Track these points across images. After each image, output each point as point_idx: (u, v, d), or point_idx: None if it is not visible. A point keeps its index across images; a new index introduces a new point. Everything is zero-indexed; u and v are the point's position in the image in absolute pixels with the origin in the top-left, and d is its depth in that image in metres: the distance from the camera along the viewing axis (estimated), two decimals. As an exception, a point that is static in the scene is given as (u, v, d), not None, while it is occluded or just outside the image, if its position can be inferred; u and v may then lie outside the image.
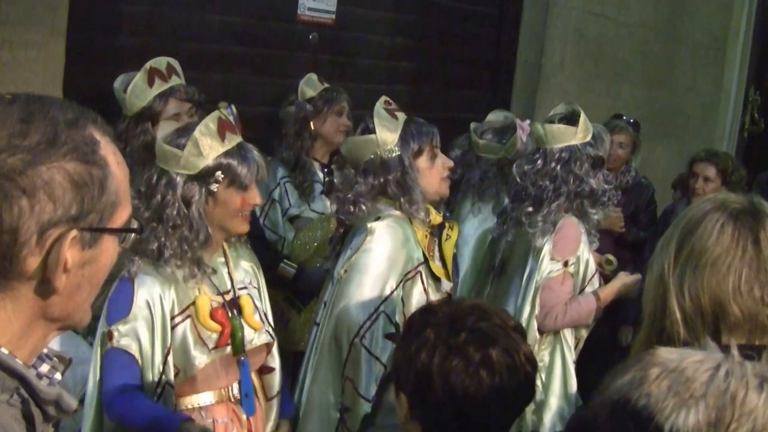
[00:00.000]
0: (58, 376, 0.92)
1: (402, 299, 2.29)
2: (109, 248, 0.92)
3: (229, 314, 2.10)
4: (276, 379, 2.26)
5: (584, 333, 2.81)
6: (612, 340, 3.60)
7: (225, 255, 2.17)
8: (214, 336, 2.06)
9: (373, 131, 2.34)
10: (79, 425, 2.05)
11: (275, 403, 2.26)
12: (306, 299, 3.07)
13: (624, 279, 2.80)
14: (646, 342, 1.34)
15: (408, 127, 2.37)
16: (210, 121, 2.03)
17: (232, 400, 2.12)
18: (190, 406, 2.07)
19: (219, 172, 2.01)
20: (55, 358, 0.94)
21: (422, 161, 2.37)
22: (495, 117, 3.38)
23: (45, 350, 0.93)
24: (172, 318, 2.02)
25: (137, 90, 2.64)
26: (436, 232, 2.49)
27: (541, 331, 2.70)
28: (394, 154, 2.33)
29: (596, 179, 2.67)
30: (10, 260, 0.84)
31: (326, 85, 3.20)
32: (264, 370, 2.25)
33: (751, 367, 1.00)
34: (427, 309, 1.57)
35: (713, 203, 1.39)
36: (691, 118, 5.58)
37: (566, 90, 4.49)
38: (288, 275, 3.00)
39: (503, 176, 3.09)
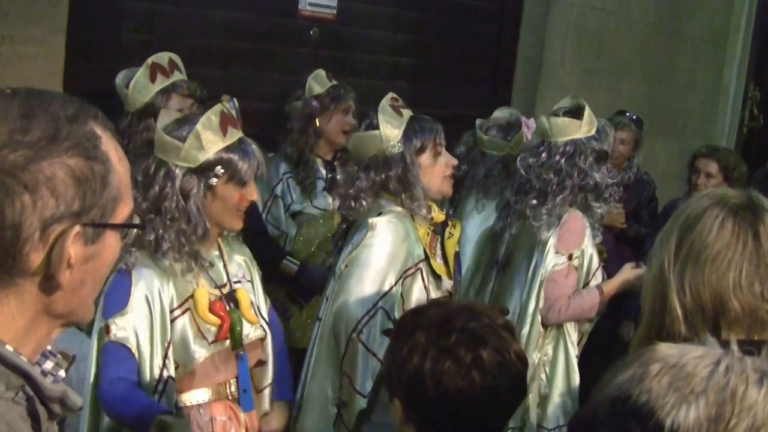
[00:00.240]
0: (62, 372, 0.92)
1: (402, 296, 2.29)
2: (111, 243, 0.92)
3: (227, 307, 2.09)
4: (267, 371, 2.24)
5: (588, 327, 2.83)
6: (613, 334, 3.61)
7: (219, 249, 2.16)
8: (213, 329, 2.05)
9: (377, 127, 2.34)
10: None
11: (266, 394, 2.24)
12: (308, 296, 3.07)
13: (627, 274, 2.80)
14: (645, 338, 1.35)
15: (412, 123, 2.36)
16: (212, 115, 2.01)
17: (230, 397, 2.10)
18: (188, 403, 2.05)
19: (219, 167, 2.00)
20: (59, 355, 0.94)
21: (425, 158, 2.37)
22: (500, 114, 3.37)
23: (49, 347, 0.93)
24: (171, 311, 2.00)
25: (139, 86, 2.63)
26: (439, 230, 2.49)
27: (544, 325, 2.71)
28: (396, 150, 2.33)
29: (600, 173, 2.68)
30: (13, 256, 0.84)
31: (334, 82, 3.18)
32: (256, 363, 2.23)
33: (750, 362, 1.01)
34: (417, 311, 1.58)
35: (711, 199, 1.39)
36: (691, 114, 5.58)
37: (566, 86, 4.48)
38: (290, 272, 3.00)
39: (508, 174, 3.08)
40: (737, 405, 0.96)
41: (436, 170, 2.39)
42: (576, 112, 2.73)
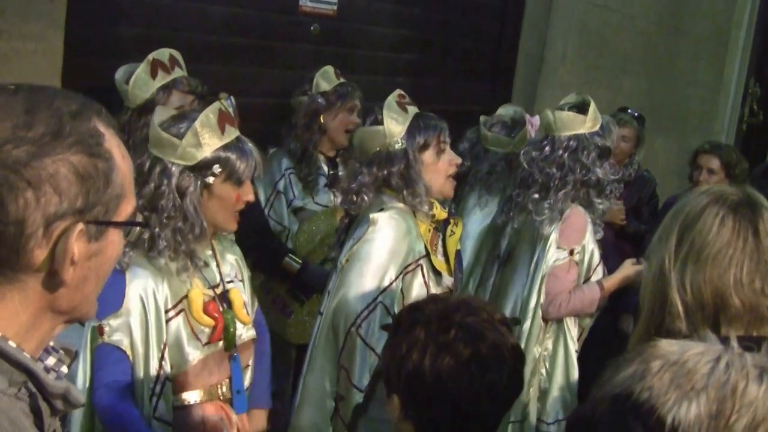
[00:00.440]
0: (64, 368, 0.93)
1: (402, 291, 2.30)
2: (114, 241, 0.92)
3: (221, 308, 2.06)
4: (247, 374, 2.18)
5: (588, 322, 2.84)
6: (613, 328, 3.61)
7: (213, 248, 2.12)
8: (207, 331, 2.02)
9: (381, 123, 2.34)
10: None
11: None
12: (309, 293, 3.07)
13: (628, 270, 2.81)
14: (645, 335, 1.35)
15: (416, 120, 2.36)
16: (211, 113, 1.98)
17: (222, 398, 2.07)
18: (180, 404, 2.01)
19: (217, 165, 1.96)
20: (61, 351, 0.94)
21: (428, 155, 2.37)
22: (505, 111, 3.37)
23: (51, 343, 0.93)
24: (166, 312, 1.97)
25: (140, 82, 2.62)
26: (441, 227, 2.49)
27: (544, 319, 2.72)
28: (399, 147, 2.33)
29: (602, 169, 2.69)
30: (17, 252, 0.84)
31: (342, 79, 3.17)
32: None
33: (750, 358, 1.01)
34: (415, 306, 1.57)
35: (710, 196, 1.39)
36: (691, 110, 5.57)
37: (567, 83, 4.47)
38: (292, 270, 3.00)
39: (511, 171, 3.08)
40: (737, 401, 0.97)
41: (439, 167, 2.39)
42: (581, 108, 2.74)
